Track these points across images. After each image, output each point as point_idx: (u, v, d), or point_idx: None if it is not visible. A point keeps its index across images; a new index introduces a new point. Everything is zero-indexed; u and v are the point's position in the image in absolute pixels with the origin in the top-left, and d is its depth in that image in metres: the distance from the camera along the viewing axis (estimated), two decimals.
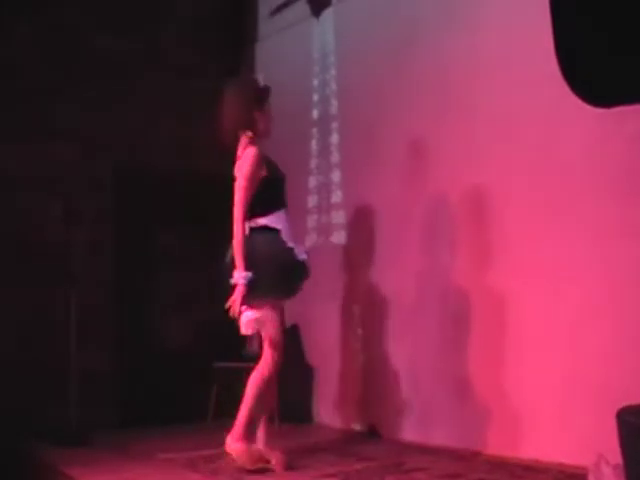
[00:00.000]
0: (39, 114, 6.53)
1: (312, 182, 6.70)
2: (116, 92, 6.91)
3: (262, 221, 4.59)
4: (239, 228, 4.55)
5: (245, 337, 6.72)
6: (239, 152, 4.70)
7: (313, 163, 6.72)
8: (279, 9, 7.22)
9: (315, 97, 6.74)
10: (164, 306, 7.08)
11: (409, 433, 5.48)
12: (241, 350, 6.71)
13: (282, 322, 4.78)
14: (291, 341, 6.68)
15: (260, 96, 4.72)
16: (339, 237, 6.36)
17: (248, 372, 6.30)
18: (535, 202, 4.72)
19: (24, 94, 6.47)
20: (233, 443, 4.55)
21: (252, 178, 4.57)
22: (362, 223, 5.94)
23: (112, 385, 6.64)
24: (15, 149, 6.38)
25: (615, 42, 2.41)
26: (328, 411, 6.14)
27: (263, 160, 4.66)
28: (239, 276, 4.47)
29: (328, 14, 6.62)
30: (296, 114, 6.89)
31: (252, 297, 4.50)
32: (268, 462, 4.60)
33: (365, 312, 6.01)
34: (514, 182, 4.86)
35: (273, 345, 4.67)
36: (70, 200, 6.46)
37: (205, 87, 7.39)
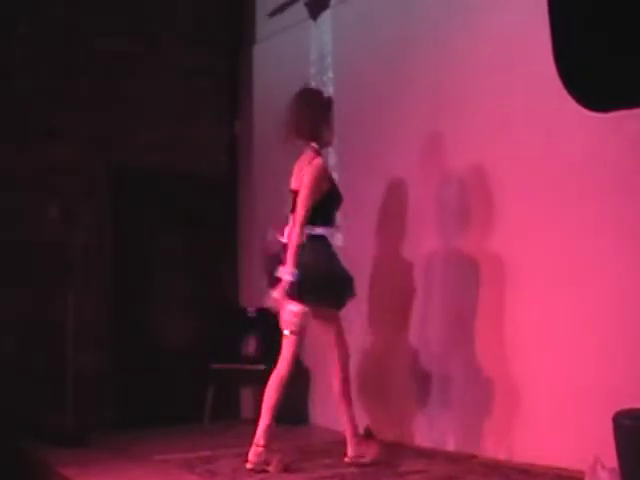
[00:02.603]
0: (38, 114, 6.53)
1: None
2: (115, 92, 6.92)
3: (319, 230, 4.68)
4: (299, 231, 4.61)
5: (241, 339, 6.78)
6: (302, 161, 4.76)
7: None
8: (277, 11, 7.22)
9: None
10: (161, 307, 7.07)
11: (405, 436, 5.48)
12: (238, 352, 6.73)
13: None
14: None
15: (327, 108, 4.80)
16: (335, 239, 6.34)
17: (244, 374, 6.33)
18: (534, 203, 4.73)
19: (23, 94, 6.48)
20: (360, 447, 4.67)
21: (315, 188, 4.64)
22: (359, 225, 5.94)
23: (109, 386, 6.65)
24: (14, 149, 6.39)
25: (613, 46, 2.41)
26: (324, 413, 6.13)
27: (327, 174, 4.76)
28: (286, 272, 4.54)
29: (326, 17, 6.62)
30: None
31: (300, 297, 4.57)
32: (268, 464, 4.62)
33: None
34: (513, 183, 4.87)
35: (336, 343, 4.73)
36: (68, 200, 6.47)
37: (204, 88, 7.42)
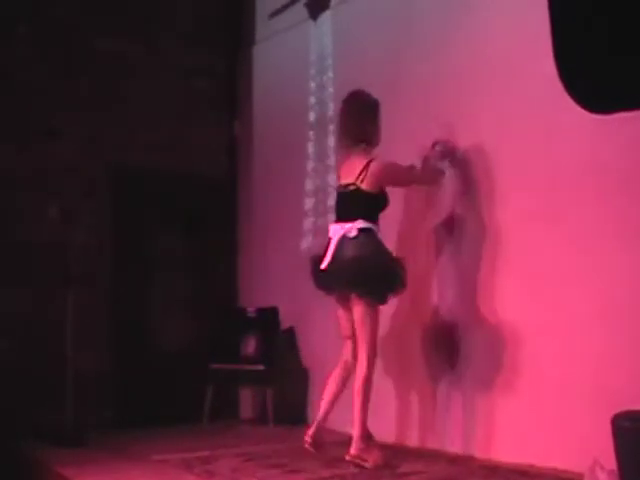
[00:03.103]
0: (38, 114, 6.54)
1: (309, 185, 6.71)
2: (115, 92, 6.93)
3: (371, 225, 4.79)
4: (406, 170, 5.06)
5: (241, 339, 6.78)
6: (353, 161, 4.87)
7: (310, 166, 6.72)
8: (277, 12, 7.22)
9: (312, 100, 6.74)
10: (161, 307, 7.08)
11: (404, 437, 5.48)
12: (237, 352, 6.73)
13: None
14: (286, 343, 6.71)
15: (374, 110, 4.95)
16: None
17: (244, 374, 6.33)
18: (530, 205, 4.73)
19: (23, 94, 6.48)
20: (363, 451, 4.64)
21: (383, 178, 4.85)
22: None
23: (109, 386, 6.65)
24: (14, 149, 6.39)
25: (614, 47, 2.41)
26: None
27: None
28: None
29: (326, 17, 6.62)
30: (293, 116, 6.90)
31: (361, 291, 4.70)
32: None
33: None
34: (508, 183, 4.87)
35: (368, 345, 4.74)
36: (68, 201, 6.48)
37: (203, 88, 7.43)
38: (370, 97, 4.98)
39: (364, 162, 4.81)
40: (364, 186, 4.78)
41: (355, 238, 4.72)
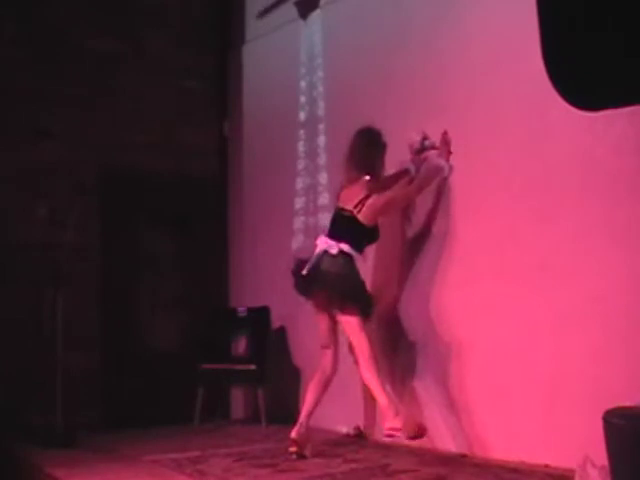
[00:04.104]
0: (27, 115, 6.52)
1: (299, 184, 6.70)
2: (103, 93, 6.92)
3: (353, 252, 4.97)
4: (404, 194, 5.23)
5: (231, 339, 6.77)
6: (353, 189, 5.06)
7: (300, 165, 6.72)
8: (267, 11, 7.21)
9: (302, 99, 6.74)
10: (151, 307, 7.07)
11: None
12: (228, 352, 6.71)
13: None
14: (278, 343, 6.71)
15: (385, 149, 5.19)
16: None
17: (235, 374, 6.33)
18: (521, 204, 4.74)
19: (12, 94, 6.47)
20: (393, 422, 4.72)
21: (380, 213, 5.09)
22: None
23: (99, 386, 6.64)
24: (3, 149, 6.37)
25: (602, 44, 2.41)
26: (314, 412, 6.13)
27: None
28: None
29: (316, 16, 6.62)
30: (283, 116, 6.90)
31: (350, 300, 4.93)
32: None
33: None
34: (498, 181, 4.88)
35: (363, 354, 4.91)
36: (58, 201, 6.46)
37: (192, 89, 7.42)
38: (381, 135, 5.18)
39: (364, 194, 4.99)
40: (360, 217, 4.98)
41: (334, 257, 4.92)
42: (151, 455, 5.25)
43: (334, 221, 5.14)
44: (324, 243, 4.99)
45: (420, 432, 4.81)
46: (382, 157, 5.19)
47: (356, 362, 5.02)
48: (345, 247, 4.92)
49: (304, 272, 4.96)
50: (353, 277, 4.95)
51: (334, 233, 5.04)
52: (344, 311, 4.92)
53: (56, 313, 5.87)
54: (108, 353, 6.75)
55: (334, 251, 4.91)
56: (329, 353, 5.12)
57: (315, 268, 4.94)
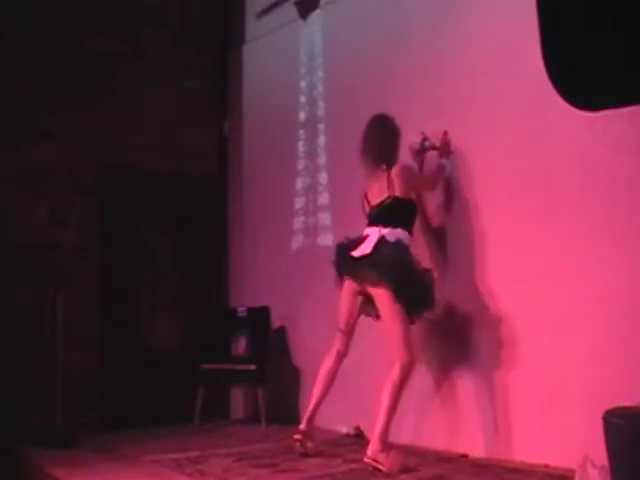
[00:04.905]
0: (27, 115, 6.52)
1: (299, 184, 6.70)
2: (103, 93, 6.92)
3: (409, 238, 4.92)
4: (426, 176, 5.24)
5: (232, 339, 6.77)
6: (377, 183, 4.97)
7: (300, 165, 6.72)
8: (266, 11, 7.21)
9: (302, 99, 6.74)
10: (151, 307, 7.07)
11: (395, 435, 5.47)
12: (228, 352, 6.71)
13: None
14: (278, 343, 6.71)
15: (399, 134, 5.07)
16: (325, 239, 6.36)
17: (235, 374, 6.32)
18: (520, 204, 4.73)
19: (12, 94, 6.47)
20: (379, 453, 4.54)
21: (408, 180, 4.98)
22: (348, 225, 5.93)
23: (99, 386, 6.64)
24: (3, 149, 6.37)
25: (602, 44, 2.41)
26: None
27: None
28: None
29: (316, 16, 6.62)
30: (283, 116, 6.90)
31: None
32: None
33: None
34: (498, 182, 4.88)
35: (402, 347, 4.70)
36: (58, 201, 6.46)
37: (192, 89, 7.43)
38: (394, 121, 5.07)
39: (385, 176, 4.92)
40: (398, 193, 4.88)
41: (394, 243, 4.77)
42: (151, 455, 5.25)
43: (376, 214, 4.94)
44: (377, 232, 4.81)
45: (396, 471, 4.52)
46: (398, 143, 5.08)
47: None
48: (401, 234, 4.82)
49: (357, 254, 4.79)
50: (415, 265, 4.82)
51: (383, 220, 4.87)
52: (390, 304, 4.69)
53: (56, 313, 5.87)
54: (108, 353, 6.75)
55: (393, 239, 4.78)
56: (341, 336, 5.02)
57: (376, 251, 4.73)
